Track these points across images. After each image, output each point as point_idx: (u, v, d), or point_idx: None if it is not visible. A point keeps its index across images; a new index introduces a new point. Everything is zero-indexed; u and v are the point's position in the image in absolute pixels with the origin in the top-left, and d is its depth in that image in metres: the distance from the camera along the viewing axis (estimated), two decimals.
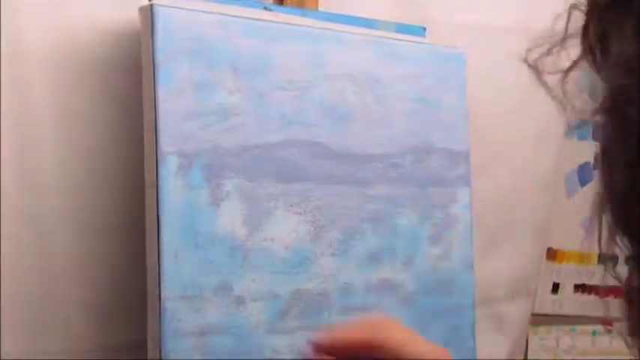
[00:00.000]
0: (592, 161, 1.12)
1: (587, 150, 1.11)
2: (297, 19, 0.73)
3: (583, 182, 1.11)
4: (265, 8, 0.72)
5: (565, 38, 0.41)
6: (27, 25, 0.65)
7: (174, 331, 0.63)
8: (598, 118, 0.38)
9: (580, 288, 1.13)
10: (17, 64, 0.65)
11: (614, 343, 1.17)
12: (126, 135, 0.69)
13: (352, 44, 0.74)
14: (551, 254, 1.09)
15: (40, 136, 0.66)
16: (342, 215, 0.72)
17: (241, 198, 0.67)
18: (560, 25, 0.42)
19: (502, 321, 1.00)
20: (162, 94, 0.63)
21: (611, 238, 0.39)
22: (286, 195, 0.69)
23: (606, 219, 0.39)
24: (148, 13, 0.64)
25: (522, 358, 1.07)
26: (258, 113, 0.68)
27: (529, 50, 0.43)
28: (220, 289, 0.65)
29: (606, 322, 1.16)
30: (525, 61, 0.43)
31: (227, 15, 0.68)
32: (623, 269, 1.14)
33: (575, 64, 0.41)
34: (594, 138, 0.39)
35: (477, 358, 0.82)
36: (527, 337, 1.08)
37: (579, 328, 1.14)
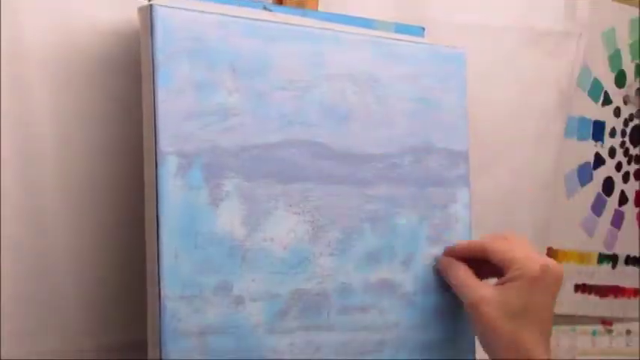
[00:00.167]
0: (592, 161, 1.12)
1: (587, 150, 1.11)
2: (296, 19, 0.73)
3: (583, 182, 1.11)
4: (265, 8, 0.72)
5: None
6: (27, 25, 0.65)
7: (174, 331, 0.63)
8: None
9: (580, 288, 1.13)
10: (17, 64, 0.65)
11: (614, 343, 1.17)
12: (125, 135, 0.69)
13: (352, 44, 0.74)
14: (551, 254, 1.09)
15: (40, 136, 0.66)
16: (341, 215, 0.72)
17: (241, 198, 0.67)
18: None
19: None
20: (161, 94, 0.63)
21: None
22: (286, 195, 0.69)
23: None
24: (148, 13, 0.64)
25: None
26: (257, 113, 0.68)
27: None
28: (220, 289, 0.65)
29: (606, 322, 1.16)
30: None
31: (227, 15, 0.68)
32: (623, 268, 1.15)
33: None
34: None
35: (477, 358, 0.82)
36: None
37: (579, 328, 1.14)
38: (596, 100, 1.10)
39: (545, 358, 0.70)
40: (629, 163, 1.16)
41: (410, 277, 0.76)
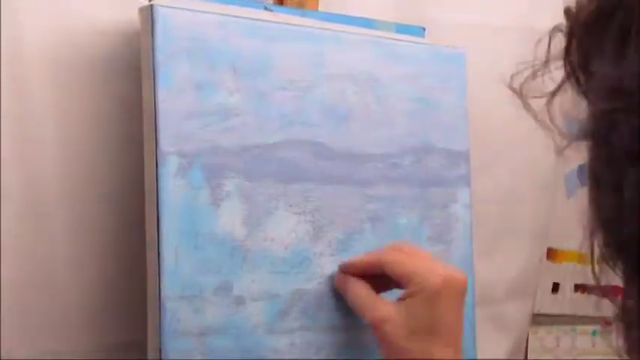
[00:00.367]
0: None
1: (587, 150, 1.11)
2: (297, 19, 0.73)
3: (583, 182, 1.11)
4: (265, 8, 0.72)
5: (548, 61, 0.41)
6: (27, 25, 0.65)
7: (174, 331, 0.63)
8: (584, 140, 0.38)
9: (580, 288, 1.13)
10: (17, 64, 0.65)
11: (614, 343, 1.17)
12: (126, 135, 0.69)
13: (352, 44, 0.74)
14: (551, 254, 1.09)
15: (40, 136, 0.66)
16: (341, 215, 0.72)
17: (241, 198, 0.67)
18: (544, 48, 0.42)
19: (502, 321, 1.00)
20: (162, 94, 0.63)
21: (604, 261, 0.39)
22: (286, 195, 0.69)
23: (597, 242, 0.38)
24: (148, 13, 0.64)
25: (522, 358, 1.07)
26: (258, 113, 0.68)
27: (513, 75, 0.43)
28: (220, 289, 0.65)
29: (606, 322, 1.16)
30: (510, 86, 0.43)
31: (227, 15, 0.68)
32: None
33: (559, 88, 0.41)
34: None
35: (477, 358, 0.82)
36: (528, 337, 1.08)
37: (579, 328, 1.14)
38: None
39: None
40: None
41: None
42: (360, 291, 0.68)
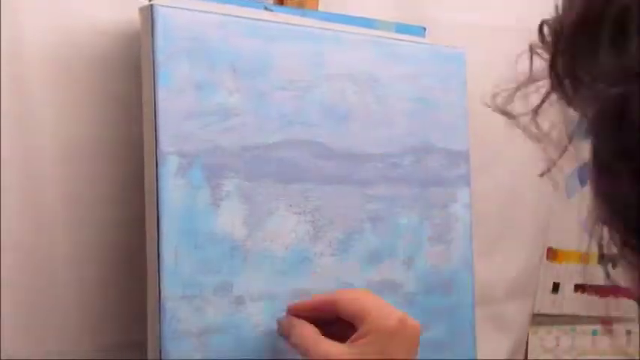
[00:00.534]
0: None
1: (587, 150, 1.11)
2: (297, 19, 0.73)
3: (583, 182, 1.11)
4: (265, 8, 0.72)
5: (530, 79, 0.42)
6: (27, 25, 0.65)
7: (174, 331, 0.63)
8: (582, 140, 0.38)
9: (580, 288, 1.13)
10: (17, 64, 0.65)
11: (614, 343, 1.17)
12: (126, 135, 0.69)
13: (352, 44, 0.74)
14: (551, 254, 1.09)
15: (40, 136, 0.66)
16: (341, 215, 0.72)
17: (241, 198, 0.67)
18: (522, 66, 0.42)
19: (502, 321, 1.00)
20: (162, 94, 0.63)
21: (621, 256, 0.39)
22: (286, 195, 0.69)
23: (609, 235, 0.38)
24: (148, 13, 0.64)
25: (522, 358, 1.07)
26: (258, 113, 0.68)
27: (494, 95, 0.44)
28: (220, 289, 0.65)
29: (606, 322, 1.16)
30: (492, 106, 0.44)
31: (227, 15, 0.68)
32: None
33: (544, 101, 0.41)
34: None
35: (477, 358, 0.82)
36: (528, 337, 1.08)
37: (579, 328, 1.14)
38: None
39: None
40: None
41: (411, 277, 0.76)
42: (305, 331, 0.64)
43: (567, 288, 1.11)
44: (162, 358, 0.63)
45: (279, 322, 0.67)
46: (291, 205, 0.70)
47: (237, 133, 0.67)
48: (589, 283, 1.13)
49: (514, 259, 1.01)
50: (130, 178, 0.68)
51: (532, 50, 0.41)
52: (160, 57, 0.63)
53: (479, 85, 0.89)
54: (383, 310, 0.63)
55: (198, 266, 0.64)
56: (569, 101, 0.39)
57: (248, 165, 0.67)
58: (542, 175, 0.41)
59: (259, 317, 0.67)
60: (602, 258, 0.40)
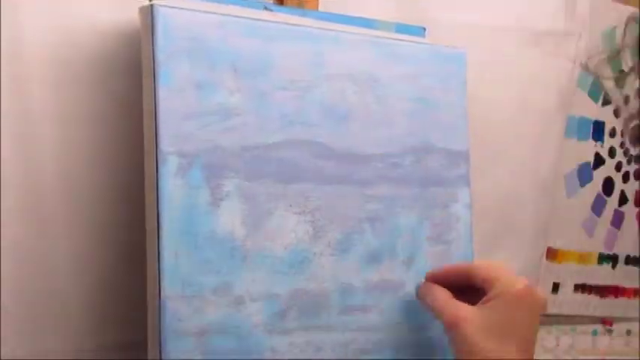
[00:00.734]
0: (592, 161, 1.12)
1: (587, 150, 1.11)
2: (297, 19, 0.73)
3: (583, 182, 1.11)
4: (265, 8, 0.72)
5: (623, 48, 0.43)
6: (27, 25, 0.65)
7: (175, 331, 0.63)
8: None
9: (580, 288, 1.13)
10: (17, 64, 0.65)
11: (614, 343, 1.17)
12: (126, 135, 0.69)
13: (352, 44, 0.74)
14: (551, 254, 1.09)
15: (40, 136, 0.66)
16: (341, 215, 0.72)
17: (241, 198, 0.67)
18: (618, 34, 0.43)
19: None
20: (162, 93, 0.63)
21: None
22: (286, 195, 0.69)
23: None
24: (148, 13, 0.64)
25: None
26: (258, 113, 0.68)
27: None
28: (220, 289, 0.65)
29: (606, 322, 1.16)
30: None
31: (228, 15, 0.68)
32: (623, 268, 1.15)
33: (632, 70, 0.42)
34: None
35: None
36: None
37: (579, 328, 1.14)
38: (596, 100, 1.10)
39: None
40: (629, 163, 1.16)
41: (411, 277, 0.76)
42: (439, 294, 0.71)
43: (567, 288, 1.11)
44: (163, 358, 0.63)
45: (418, 287, 0.75)
46: (291, 205, 0.70)
47: (238, 133, 0.67)
48: (589, 283, 1.13)
49: (514, 259, 1.01)
50: (130, 178, 0.68)
51: (627, 21, 0.42)
52: (160, 57, 0.63)
53: (479, 86, 0.90)
54: (512, 277, 0.69)
55: (198, 266, 0.64)
56: None
57: (248, 165, 0.67)
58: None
59: (259, 317, 0.67)
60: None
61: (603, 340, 1.16)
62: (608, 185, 1.14)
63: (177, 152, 0.64)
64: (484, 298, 0.68)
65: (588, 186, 1.11)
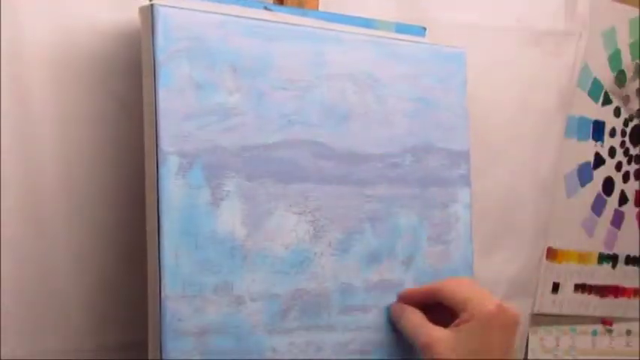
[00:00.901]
0: (592, 161, 1.12)
1: (587, 150, 1.11)
2: (297, 19, 0.73)
3: (583, 182, 1.11)
4: (265, 8, 0.72)
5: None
6: (27, 25, 0.65)
7: (175, 331, 0.63)
8: None
9: (580, 288, 1.13)
10: (17, 64, 0.65)
11: (614, 343, 1.17)
12: (126, 135, 0.69)
13: (352, 44, 0.74)
14: (551, 254, 1.09)
15: (40, 136, 0.66)
16: (341, 215, 0.72)
17: (241, 198, 0.67)
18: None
19: None
20: (162, 93, 0.63)
21: None
22: (286, 195, 0.69)
23: None
24: (149, 13, 0.64)
25: (522, 358, 1.08)
26: (258, 113, 0.68)
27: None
28: (220, 289, 0.65)
29: (606, 322, 1.16)
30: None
31: (228, 15, 0.68)
32: (623, 268, 1.15)
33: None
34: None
35: None
36: (528, 337, 1.08)
37: (579, 328, 1.14)
38: (596, 100, 1.10)
39: None
40: (629, 163, 1.16)
41: (410, 277, 0.76)
42: (413, 317, 0.72)
43: (567, 288, 1.11)
44: (163, 358, 0.63)
45: (391, 307, 0.74)
46: (291, 205, 0.70)
47: (238, 133, 0.67)
48: (589, 283, 1.13)
49: (514, 259, 1.01)
50: (130, 178, 0.68)
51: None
52: (160, 57, 0.63)
53: (479, 86, 0.90)
54: (483, 296, 0.69)
55: (199, 266, 0.64)
56: None
57: (248, 165, 0.67)
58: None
59: (259, 317, 0.67)
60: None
61: (603, 340, 1.16)
62: (608, 185, 1.14)
63: (178, 152, 0.64)
64: (457, 320, 0.68)
65: (588, 186, 1.11)
